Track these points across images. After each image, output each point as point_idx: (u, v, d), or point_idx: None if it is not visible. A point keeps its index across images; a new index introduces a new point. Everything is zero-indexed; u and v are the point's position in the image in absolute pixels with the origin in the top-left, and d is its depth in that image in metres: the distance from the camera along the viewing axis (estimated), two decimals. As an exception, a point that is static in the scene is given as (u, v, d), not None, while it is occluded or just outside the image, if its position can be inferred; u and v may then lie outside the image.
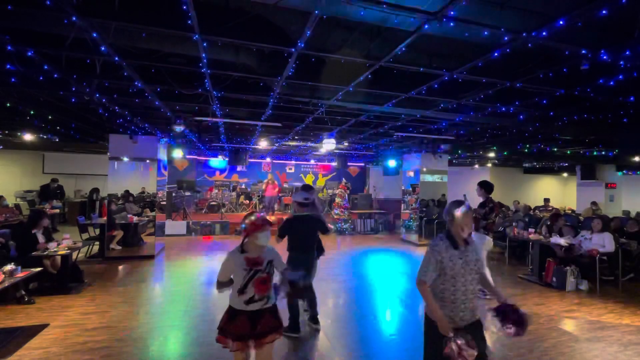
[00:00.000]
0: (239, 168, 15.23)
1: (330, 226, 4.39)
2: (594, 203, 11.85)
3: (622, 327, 4.60)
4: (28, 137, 9.10)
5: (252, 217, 2.69)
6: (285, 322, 3.52)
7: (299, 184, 15.95)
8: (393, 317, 4.98)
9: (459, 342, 2.20)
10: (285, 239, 4.18)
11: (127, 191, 8.21)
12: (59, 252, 5.44)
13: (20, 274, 4.35)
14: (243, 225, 2.67)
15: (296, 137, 9.61)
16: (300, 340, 4.08)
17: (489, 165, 16.10)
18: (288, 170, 16.65)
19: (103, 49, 3.53)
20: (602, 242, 6.18)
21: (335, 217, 12.14)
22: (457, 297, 2.41)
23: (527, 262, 7.53)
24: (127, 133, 8.01)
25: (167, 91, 5.17)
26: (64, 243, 5.76)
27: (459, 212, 2.44)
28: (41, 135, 8.97)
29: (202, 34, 3.24)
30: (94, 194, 11.96)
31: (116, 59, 3.78)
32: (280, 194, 13.89)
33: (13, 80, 4.49)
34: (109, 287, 5.78)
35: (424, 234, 10.33)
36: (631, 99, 4.78)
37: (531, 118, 6.21)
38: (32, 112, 6.19)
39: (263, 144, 10.45)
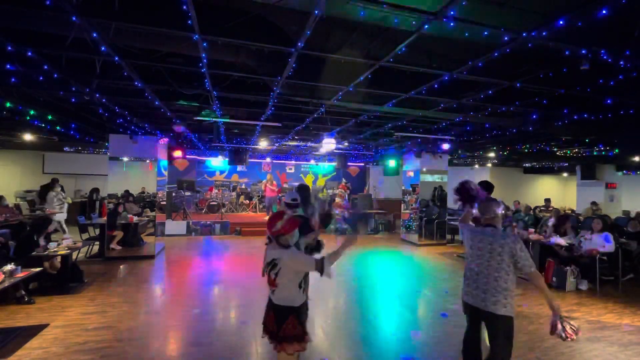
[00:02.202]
0: (239, 168, 15.23)
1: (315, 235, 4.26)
2: (594, 203, 11.84)
3: (622, 327, 4.60)
4: (28, 137, 9.10)
5: (285, 219, 2.60)
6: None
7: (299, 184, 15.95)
8: (393, 317, 4.98)
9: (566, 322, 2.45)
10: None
11: (127, 191, 8.21)
12: (59, 252, 5.44)
13: (20, 274, 4.36)
14: (279, 225, 2.55)
15: (296, 137, 9.61)
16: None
17: (489, 165, 16.10)
18: (288, 170, 16.66)
19: (103, 49, 3.53)
20: (602, 242, 6.18)
21: (336, 217, 12.14)
22: None
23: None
24: (127, 133, 8.01)
25: (167, 91, 5.17)
26: (64, 243, 5.77)
27: (500, 210, 2.81)
28: (41, 135, 8.96)
29: (202, 34, 3.24)
30: (94, 194, 11.97)
31: (116, 59, 3.78)
32: (280, 194, 13.88)
33: (13, 80, 4.49)
34: (109, 287, 5.78)
35: (424, 234, 10.33)
36: (631, 99, 4.78)
37: (531, 118, 6.21)
38: (32, 112, 6.19)
39: (263, 144, 10.45)
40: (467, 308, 2.84)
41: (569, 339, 2.42)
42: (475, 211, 3.04)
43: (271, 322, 2.58)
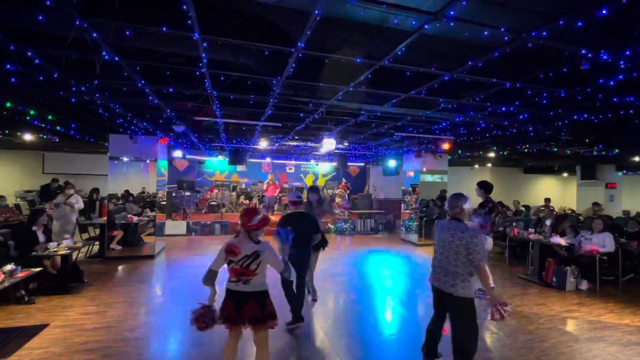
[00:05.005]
0: (239, 168, 15.23)
1: (329, 224, 4.64)
2: (596, 204, 11.77)
3: (622, 327, 4.60)
4: (28, 137, 9.10)
5: (262, 215, 2.91)
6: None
7: (299, 184, 15.97)
8: (393, 317, 4.98)
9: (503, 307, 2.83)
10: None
11: (127, 191, 8.21)
12: (59, 252, 5.44)
13: (20, 274, 4.36)
14: (256, 220, 2.84)
15: (296, 137, 9.61)
16: (300, 339, 4.08)
17: (489, 165, 16.10)
18: (288, 170, 16.65)
19: (103, 49, 3.53)
20: (602, 242, 6.18)
21: (335, 217, 12.15)
22: None
23: (527, 262, 7.53)
24: (127, 133, 8.01)
25: (167, 91, 5.17)
26: (64, 243, 5.77)
27: (467, 205, 3.07)
28: (41, 135, 8.97)
29: (202, 34, 3.24)
30: (94, 194, 11.96)
31: (116, 58, 3.78)
32: (280, 194, 13.90)
33: (13, 80, 4.49)
34: (109, 287, 5.78)
35: (424, 234, 10.33)
36: (631, 98, 4.78)
37: (531, 118, 6.21)
38: (32, 112, 6.19)
39: (263, 144, 10.45)
40: (433, 290, 3.23)
41: (497, 320, 2.83)
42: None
43: (254, 309, 2.79)
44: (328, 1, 2.71)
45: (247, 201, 14.20)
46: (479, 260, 2.87)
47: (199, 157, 14.96)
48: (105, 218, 7.92)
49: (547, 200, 12.48)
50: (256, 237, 2.88)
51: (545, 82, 4.29)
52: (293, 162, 16.51)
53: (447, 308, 3.11)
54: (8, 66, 3.99)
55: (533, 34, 3.03)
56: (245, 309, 2.79)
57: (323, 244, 5.19)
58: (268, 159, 16.00)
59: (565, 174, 17.47)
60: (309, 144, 10.88)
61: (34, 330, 4.09)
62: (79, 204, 7.66)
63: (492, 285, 2.94)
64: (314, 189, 5.47)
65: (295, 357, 3.76)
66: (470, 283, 2.96)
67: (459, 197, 3.11)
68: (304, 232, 4.31)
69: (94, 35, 3.22)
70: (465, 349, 2.99)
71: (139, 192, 8.35)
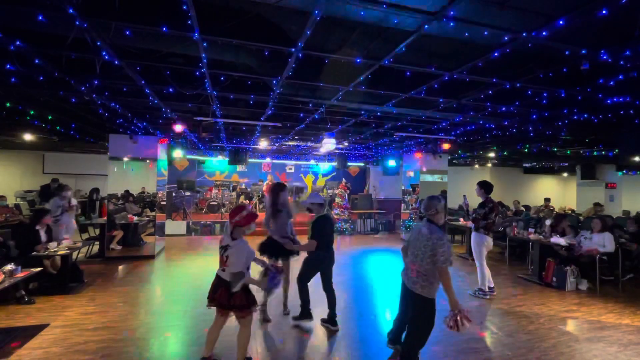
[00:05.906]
0: (239, 168, 15.23)
1: None
2: (597, 204, 11.77)
3: (622, 327, 4.60)
4: (28, 137, 9.09)
5: (247, 212, 3.24)
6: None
7: (299, 184, 15.97)
8: (393, 317, 4.97)
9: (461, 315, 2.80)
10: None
11: (127, 191, 8.21)
12: (59, 252, 5.44)
13: (20, 274, 4.35)
14: (238, 217, 3.18)
15: (296, 137, 9.61)
16: (300, 339, 4.08)
17: (489, 165, 16.10)
18: (288, 170, 16.65)
19: (103, 49, 3.53)
20: (602, 242, 6.18)
21: (335, 217, 12.15)
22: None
23: (527, 262, 7.53)
24: (127, 133, 8.01)
25: (167, 91, 5.17)
26: (64, 243, 5.77)
27: (441, 207, 3.17)
28: (41, 135, 8.96)
29: (202, 34, 3.24)
30: (94, 194, 11.96)
31: (116, 59, 3.78)
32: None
33: (13, 80, 4.48)
34: (109, 287, 5.78)
35: (424, 234, 10.31)
36: (628, 98, 4.78)
37: (531, 118, 6.20)
38: (32, 112, 6.19)
39: (263, 144, 10.45)
40: (402, 284, 3.43)
41: (454, 329, 2.82)
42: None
43: (223, 295, 3.16)
44: (328, 1, 2.71)
45: (247, 201, 14.19)
46: (441, 263, 2.92)
47: (199, 157, 14.97)
48: (105, 218, 7.92)
49: (547, 200, 12.49)
50: (238, 234, 3.19)
51: (545, 82, 4.29)
52: (293, 162, 16.50)
53: (408, 302, 3.30)
54: (8, 66, 3.99)
55: (533, 34, 3.03)
56: (218, 292, 3.20)
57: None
58: (268, 159, 16.00)
59: (565, 174, 17.46)
60: (309, 144, 10.88)
61: (34, 330, 4.09)
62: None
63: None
64: (282, 186, 4.71)
65: (295, 357, 3.76)
66: (432, 285, 3.03)
67: (433, 200, 3.22)
68: (331, 234, 4.52)
69: (94, 35, 3.22)
70: (410, 341, 3.18)
71: (139, 192, 8.34)
